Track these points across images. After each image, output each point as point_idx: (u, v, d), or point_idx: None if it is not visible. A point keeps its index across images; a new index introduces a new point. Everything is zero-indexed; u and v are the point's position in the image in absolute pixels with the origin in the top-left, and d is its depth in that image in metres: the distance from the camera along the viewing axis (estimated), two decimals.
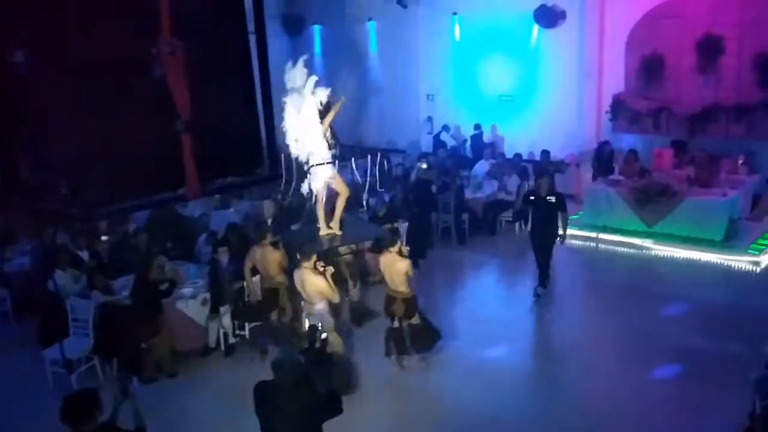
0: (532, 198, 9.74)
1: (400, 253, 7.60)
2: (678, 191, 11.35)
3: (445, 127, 15.54)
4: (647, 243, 11.38)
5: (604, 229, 11.92)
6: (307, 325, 5.01)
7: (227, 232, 9.36)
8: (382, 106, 17.31)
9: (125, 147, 7.27)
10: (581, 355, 8.39)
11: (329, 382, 4.79)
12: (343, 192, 8.93)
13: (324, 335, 4.93)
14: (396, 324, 7.75)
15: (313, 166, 8.45)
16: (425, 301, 9.78)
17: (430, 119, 16.57)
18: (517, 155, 13.93)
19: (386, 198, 11.40)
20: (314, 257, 7.38)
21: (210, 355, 8.45)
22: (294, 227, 10.04)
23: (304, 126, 8.33)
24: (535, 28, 14.41)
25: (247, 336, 8.54)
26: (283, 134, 8.45)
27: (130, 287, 8.10)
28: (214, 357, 8.45)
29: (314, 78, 8.48)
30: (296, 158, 8.53)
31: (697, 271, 10.55)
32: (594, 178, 13.15)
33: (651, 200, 11.46)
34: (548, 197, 9.50)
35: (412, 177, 13.42)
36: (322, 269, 7.23)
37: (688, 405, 7.04)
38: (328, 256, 8.33)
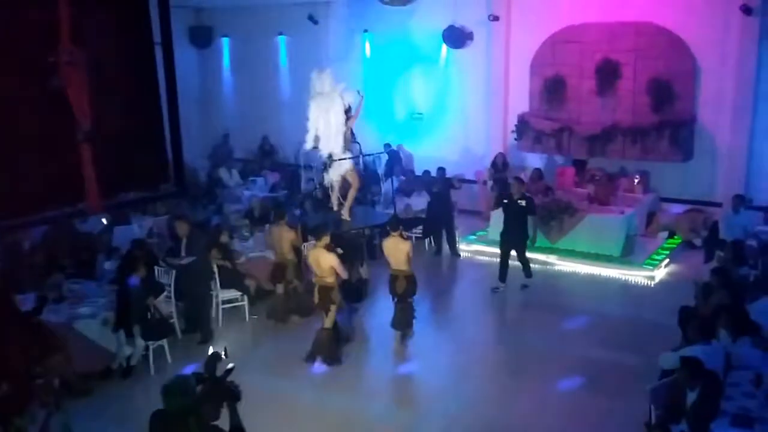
0: (505, 201, 10.40)
1: (401, 236, 8.60)
2: (579, 209, 11.78)
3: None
4: (551, 259, 11.73)
5: None
6: (212, 350, 4.79)
7: (133, 248, 9.04)
8: (292, 121, 17.17)
9: (20, 159, 6.91)
10: (485, 370, 8.53)
11: (233, 416, 4.60)
12: (355, 184, 9.96)
13: (231, 365, 4.73)
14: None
15: (335, 159, 9.60)
16: (338, 318, 9.77)
17: None
18: (426, 172, 14.10)
19: (297, 213, 11.31)
20: (327, 237, 8.27)
21: (110, 378, 8.07)
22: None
23: (329, 125, 9.46)
24: (444, 48, 14.73)
25: (151, 355, 8.23)
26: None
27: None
28: (112, 379, 8.07)
29: (343, 84, 9.74)
30: (321, 155, 9.81)
31: (597, 285, 10.96)
32: (492, 189, 13.44)
33: (554, 217, 11.84)
34: (519, 200, 10.14)
35: (318, 194, 13.39)
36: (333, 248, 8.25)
37: (588, 416, 7.25)
38: (343, 237, 9.48)
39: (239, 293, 9.68)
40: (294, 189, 14.32)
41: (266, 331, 9.46)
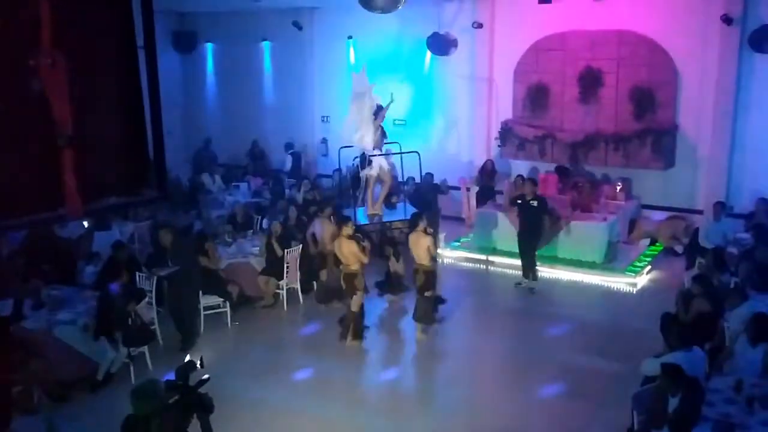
0: (519, 201, 10.63)
1: (424, 231, 8.88)
2: (562, 216, 11.84)
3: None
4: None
5: (494, 251, 12.24)
6: (188, 358, 4.73)
7: (114, 251, 8.96)
8: (276, 127, 17.16)
9: None
10: (469, 378, 8.54)
11: (204, 428, 4.56)
12: (387, 180, 10.38)
13: (206, 376, 4.68)
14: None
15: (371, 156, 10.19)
16: (319, 325, 9.75)
17: (325, 141, 16.57)
18: (410, 178, 14.12)
19: (280, 218, 11.27)
20: (351, 227, 8.85)
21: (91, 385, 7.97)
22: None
23: (362, 124, 9.91)
24: (428, 54, 14.77)
25: (131, 362, 8.14)
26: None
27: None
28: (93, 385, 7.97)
29: (374, 84, 10.21)
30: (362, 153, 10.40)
31: (580, 292, 11.01)
32: (478, 196, 13.48)
33: None
34: (532, 201, 10.43)
35: (299, 198, 13.38)
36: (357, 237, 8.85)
37: (571, 422, 7.28)
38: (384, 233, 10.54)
39: (221, 299, 9.61)
40: (277, 194, 14.28)
41: (248, 338, 9.40)
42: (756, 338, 6.56)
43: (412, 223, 9.22)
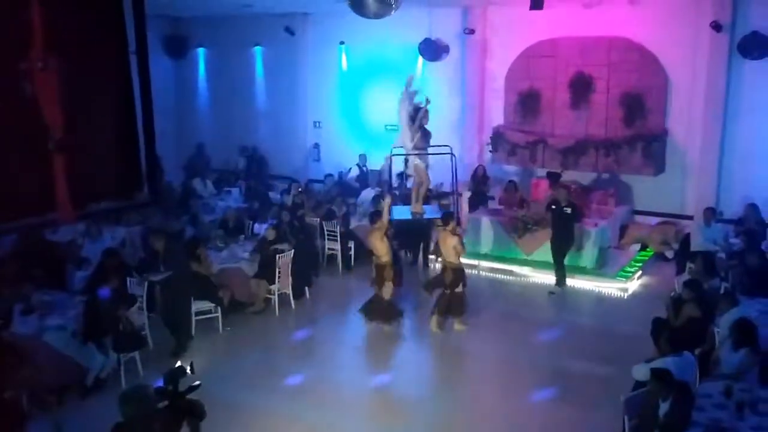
0: (553, 207, 10.71)
1: (452, 231, 9.23)
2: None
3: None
4: (525, 270, 11.80)
5: (485, 256, 12.26)
6: (179, 363, 4.69)
7: (104, 257, 8.93)
8: (268, 132, 17.16)
9: None
10: (460, 382, 8.55)
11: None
12: (425, 180, 10.67)
13: (197, 383, 4.65)
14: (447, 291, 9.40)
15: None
16: (310, 331, 9.74)
17: (317, 146, 16.59)
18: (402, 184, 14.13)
19: (272, 222, 11.26)
20: (381, 222, 9.24)
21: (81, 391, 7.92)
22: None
23: (402, 125, 10.33)
24: (420, 60, 14.80)
25: (122, 368, 8.09)
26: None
27: None
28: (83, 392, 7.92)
29: (414, 88, 10.52)
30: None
31: (571, 297, 11.04)
32: (470, 201, 13.50)
33: (528, 229, 11.92)
34: (566, 207, 10.54)
35: (288, 201, 13.38)
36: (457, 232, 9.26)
37: (562, 427, 7.30)
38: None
39: (212, 305, 9.58)
40: (265, 199, 14.27)
41: (240, 343, 9.37)
42: (738, 343, 6.60)
43: (443, 222, 9.55)
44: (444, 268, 9.59)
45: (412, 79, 10.84)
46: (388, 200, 9.71)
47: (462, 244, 9.36)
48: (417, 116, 10.31)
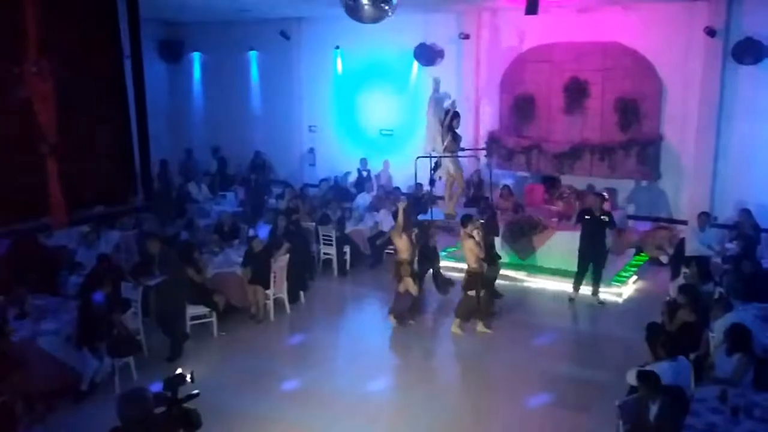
0: (587, 217, 10.51)
1: (470, 233, 9.34)
2: (548, 226, 11.88)
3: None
4: (521, 275, 11.80)
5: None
6: (180, 370, 4.65)
7: (99, 263, 8.89)
8: (263, 136, 17.16)
9: None
10: (454, 387, 8.54)
11: None
12: (458, 181, 10.94)
13: (196, 391, 4.62)
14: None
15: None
16: (306, 336, 9.72)
17: (312, 150, 16.59)
18: (397, 188, 14.15)
19: (268, 228, 11.24)
20: (475, 224, 9.36)
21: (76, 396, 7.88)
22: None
23: (430, 126, 10.57)
24: (415, 65, 14.83)
25: (116, 373, 8.06)
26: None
27: None
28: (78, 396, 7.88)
29: (442, 91, 10.92)
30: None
31: (566, 302, 11.01)
32: (466, 206, 13.50)
33: (523, 234, 11.93)
34: (602, 216, 10.42)
35: (281, 205, 13.38)
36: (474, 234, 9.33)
37: (558, 431, 7.29)
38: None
39: (207, 309, 9.55)
40: (258, 203, 14.26)
41: (235, 348, 9.35)
42: (732, 348, 6.62)
43: (462, 224, 9.64)
44: (464, 272, 9.74)
45: (439, 82, 10.93)
46: (403, 204, 9.83)
47: (479, 246, 9.36)
48: (446, 119, 10.40)
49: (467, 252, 9.41)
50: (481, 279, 9.54)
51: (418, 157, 11.19)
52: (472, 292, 9.48)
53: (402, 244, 9.73)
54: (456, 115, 10.81)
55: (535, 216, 12.12)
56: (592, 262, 10.66)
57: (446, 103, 10.99)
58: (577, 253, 10.83)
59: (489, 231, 10.34)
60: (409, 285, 9.79)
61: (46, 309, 8.41)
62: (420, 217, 11.60)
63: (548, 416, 7.57)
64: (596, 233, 10.54)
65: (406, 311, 9.97)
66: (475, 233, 9.37)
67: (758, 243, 10.80)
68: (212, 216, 13.68)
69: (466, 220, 9.59)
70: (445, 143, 10.49)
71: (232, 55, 17.19)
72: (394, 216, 10.35)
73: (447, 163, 10.69)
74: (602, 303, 10.71)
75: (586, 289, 11.19)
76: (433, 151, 10.92)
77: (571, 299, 10.83)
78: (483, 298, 9.59)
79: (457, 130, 11.03)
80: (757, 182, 11.97)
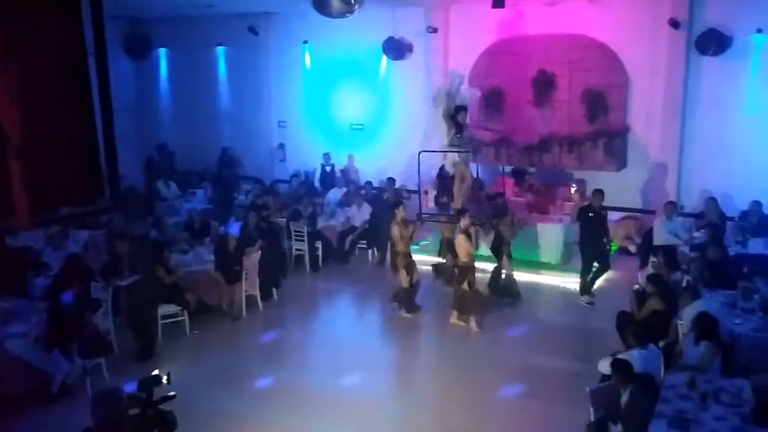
0: (591, 214, 10.42)
1: (461, 230, 9.57)
2: (521, 218, 11.93)
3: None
4: (491, 267, 11.82)
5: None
6: (157, 372, 4.59)
7: (67, 264, 8.76)
8: (233, 132, 17.01)
9: None
10: (427, 379, 8.59)
11: None
12: (466, 177, 10.89)
13: (172, 393, 4.58)
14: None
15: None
16: (279, 333, 9.68)
17: (282, 146, 16.49)
18: (368, 183, 14.13)
19: (238, 225, 11.15)
20: (467, 222, 9.55)
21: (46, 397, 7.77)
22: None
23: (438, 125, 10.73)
24: (384, 59, 14.81)
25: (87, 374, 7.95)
26: None
27: None
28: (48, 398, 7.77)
29: (447, 89, 10.92)
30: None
31: (537, 292, 11.14)
32: (436, 199, 13.51)
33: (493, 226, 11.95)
34: (604, 212, 10.46)
35: (247, 201, 13.30)
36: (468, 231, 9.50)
37: (530, 421, 7.37)
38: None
39: (179, 308, 9.46)
40: (228, 200, 14.14)
41: (207, 346, 9.28)
42: (699, 336, 6.74)
43: (456, 219, 9.89)
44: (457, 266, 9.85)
45: (451, 77, 10.95)
46: (401, 212, 10.05)
47: (470, 241, 9.46)
48: (456, 114, 10.53)
49: (458, 247, 9.56)
50: (473, 272, 9.67)
51: (420, 152, 11.05)
52: (464, 286, 9.60)
53: (397, 234, 9.94)
54: (466, 112, 10.80)
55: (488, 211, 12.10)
56: (597, 261, 10.65)
57: (456, 99, 10.92)
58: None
59: (502, 232, 10.62)
60: (402, 277, 9.98)
61: (13, 311, 8.28)
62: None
63: (520, 406, 7.66)
64: (598, 231, 10.55)
65: (406, 300, 10.17)
66: (470, 229, 9.55)
67: (725, 231, 10.98)
68: (182, 214, 13.54)
69: (458, 216, 9.81)
70: (450, 137, 10.55)
71: (200, 51, 17.00)
72: (393, 207, 10.49)
73: (455, 159, 10.70)
74: (591, 303, 10.62)
75: (549, 278, 11.28)
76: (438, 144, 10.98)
77: (590, 303, 10.58)
78: (474, 294, 9.68)
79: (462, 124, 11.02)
80: (722, 172, 12.16)
